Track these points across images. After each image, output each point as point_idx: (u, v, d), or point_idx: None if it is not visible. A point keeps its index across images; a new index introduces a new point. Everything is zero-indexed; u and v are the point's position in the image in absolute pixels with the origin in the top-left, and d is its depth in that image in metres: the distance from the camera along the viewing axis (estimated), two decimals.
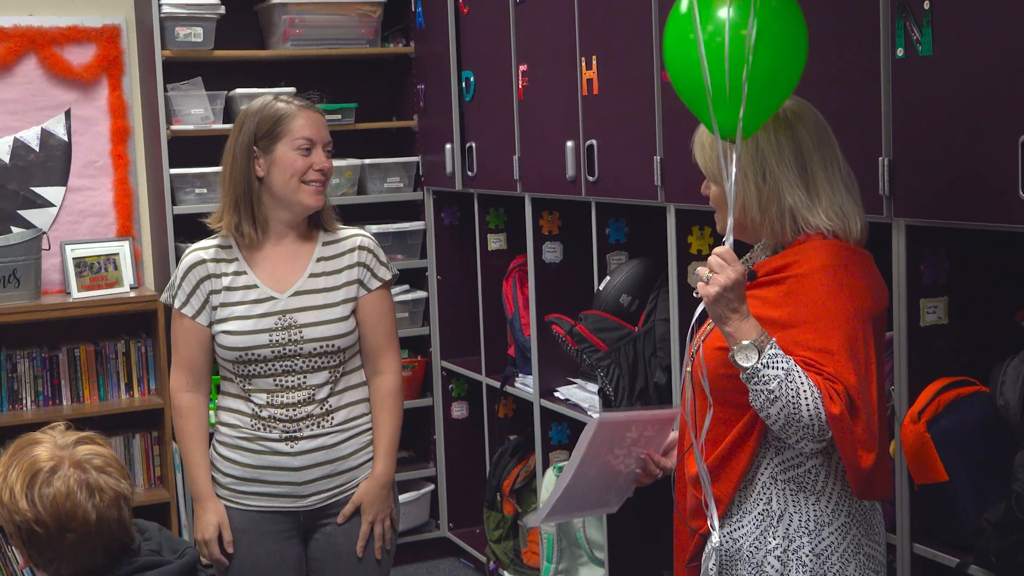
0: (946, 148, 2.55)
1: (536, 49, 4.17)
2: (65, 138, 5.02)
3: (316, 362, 2.99)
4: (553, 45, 4.03)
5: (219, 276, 3.01)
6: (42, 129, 4.98)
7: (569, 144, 3.94)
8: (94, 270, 4.92)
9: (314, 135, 3.01)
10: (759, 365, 2.15)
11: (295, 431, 2.98)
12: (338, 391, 3.03)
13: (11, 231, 4.92)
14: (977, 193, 2.49)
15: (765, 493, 2.32)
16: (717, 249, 2.19)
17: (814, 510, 2.30)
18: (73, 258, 4.89)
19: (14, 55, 4.90)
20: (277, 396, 2.98)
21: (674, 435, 2.57)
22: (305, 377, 2.98)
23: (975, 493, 2.61)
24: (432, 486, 5.28)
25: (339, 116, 5.07)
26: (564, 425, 4.40)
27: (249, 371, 2.99)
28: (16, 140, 4.95)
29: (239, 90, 4.86)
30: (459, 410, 5.26)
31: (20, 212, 4.97)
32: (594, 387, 4.02)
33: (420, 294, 5.23)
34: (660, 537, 2.72)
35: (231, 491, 3.04)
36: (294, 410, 2.98)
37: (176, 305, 3.03)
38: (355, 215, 5.12)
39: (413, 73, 5.20)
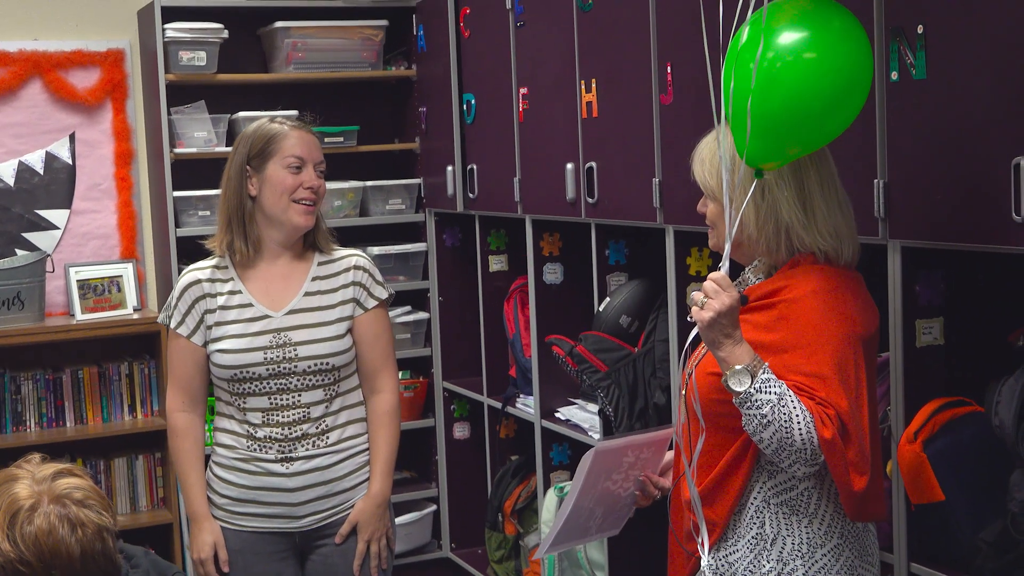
0: (940, 170, 2.57)
1: (536, 72, 4.20)
2: (69, 161, 5.06)
3: (311, 380, 3.01)
4: (553, 68, 4.06)
5: (214, 296, 3.05)
6: (47, 152, 5.02)
7: (569, 166, 3.96)
8: (98, 292, 4.95)
9: (304, 153, 3.04)
10: (752, 390, 2.17)
11: (290, 451, 3.00)
12: (333, 411, 3.05)
13: (16, 254, 4.95)
14: (971, 215, 2.51)
15: (758, 517, 2.33)
16: (712, 275, 2.21)
17: (807, 532, 2.32)
18: (77, 280, 4.93)
19: (19, 79, 4.94)
20: (272, 415, 3.00)
21: (670, 455, 2.59)
22: (300, 395, 3.01)
23: (971, 512, 2.62)
24: (434, 506, 5.29)
25: (341, 139, 5.10)
26: (565, 446, 4.41)
27: (244, 389, 3.01)
28: (21, 163, 4.99)
29: (242, 113, 4.89)
30: (461, 431, 5.27)
31: (24, 235, 5.00)
32: (594, 408, 4.04)
33: (422, 315, 5.25)
34: (661, 558, 2.73)
35: (227, 512, 3.06)
36: (289, 429, 3.00)
37: (172, 325, 3.07)
38: (357, 237, 5.15)
39: (415, 96, 5.23)
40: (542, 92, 4.17)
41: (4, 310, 4.69)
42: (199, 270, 3.10)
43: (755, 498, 2.33)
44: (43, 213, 5.03)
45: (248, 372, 2.99)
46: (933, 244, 2.64)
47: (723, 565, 2.36)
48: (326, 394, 3.04)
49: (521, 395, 4.63)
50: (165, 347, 4.72)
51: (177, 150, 4.82)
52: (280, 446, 3.00)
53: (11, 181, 4.97)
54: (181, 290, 3.08)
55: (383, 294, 3.13)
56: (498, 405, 4.74)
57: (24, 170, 4.99)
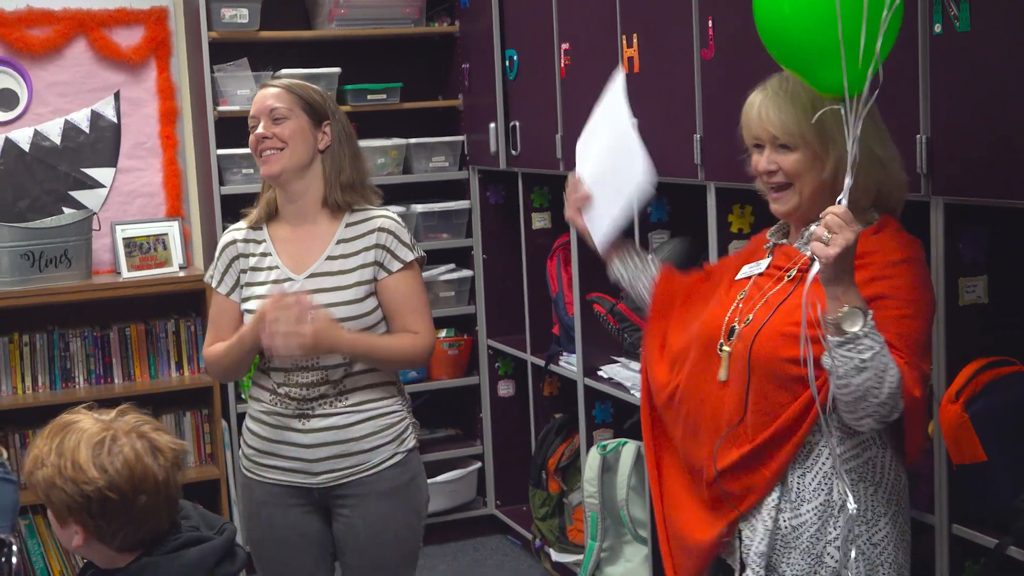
0: (984, 125, 2.52)
1: (578, 27, 4.16)
2: (114, 119, 5.08)
3: None
4: (594, 23, 4.02)
5: (247, 256, 3.09)
6: (92, 111, 5.05)
7: None
8: (144, 250, 4.98)
9: (256, 111, 3.09)
10: (861, 332, 2.13)
11: (308, 409, 3.01)
12: (354, 373, 3.03)
13: (63, 212, 4.99)
14: (1015, 171, 2.46)
15: (827, 483, 2.32)
16: (833, 209, 2.13)
17: (872, 501, 2.34)
18: (123, 238, 4.96)
19: (64, 38, 4.96)
20: (292, 376, 3.01)
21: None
22: (319, 358, 3.00)
23: (1013, 474, 2.59)
24: (479, 464, 5.31)
25: (384, 96, 5.09)
26: (608, 403, 4.40)
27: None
28: (67, 122, 5.02)
29: (285, 71, 4.87)
30: (505, 388, 5.28)
31: (71, 193, 5.04)
32: (637, 365, 4.02)
33: (466, 273, 5.24)
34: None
35: (253, 463, 3.10)
36: (308, 390, 3.01)
37: (213, 284, 3.12)
38: (401, 194, 5.15)
39: (458, 52, 5.21)
40: (584, 47, 4.13)
41: (52, 268, 4.73)
42: (236, 230, 3.15)
43: (824, 464, 2.31)
44: (89, 171, 5.06)
45: None
46: (977, 200, 2.59)
47: (788, 528, 2.34)
48: (346, 357, 3.02)
49: (564, 353, 4.62)
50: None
51: (221, 108, 4.83)
52: (299, 404, 3.01)
53: (57, 140, 5.01)
54: (220, 249, 3.13)
55: (408, 256, 3.06)
56: (542, 363, 4.73)
57: (70, 128, 5.02)
